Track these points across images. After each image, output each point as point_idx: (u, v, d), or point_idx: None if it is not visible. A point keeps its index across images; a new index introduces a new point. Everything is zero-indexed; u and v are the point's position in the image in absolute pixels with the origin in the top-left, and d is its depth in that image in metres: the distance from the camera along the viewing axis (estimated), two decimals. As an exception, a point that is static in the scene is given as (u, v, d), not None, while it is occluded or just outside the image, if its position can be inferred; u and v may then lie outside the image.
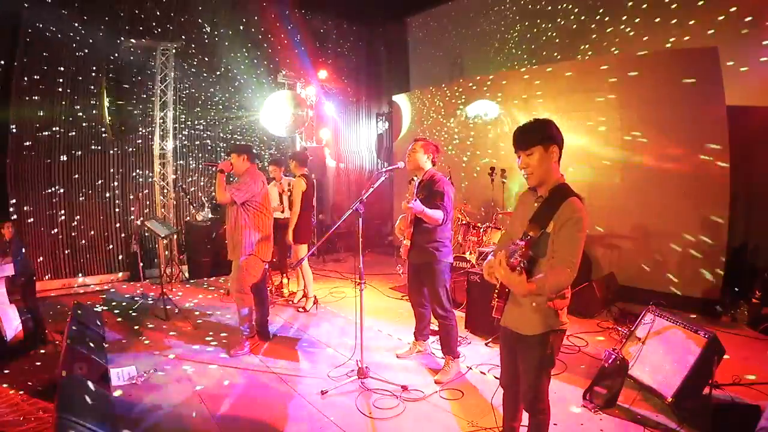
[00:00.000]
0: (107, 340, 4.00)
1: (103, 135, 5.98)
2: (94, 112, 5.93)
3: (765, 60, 4.57)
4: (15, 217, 5.42)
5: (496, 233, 5.30)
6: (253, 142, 7.71)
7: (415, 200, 3.14)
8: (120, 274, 6.30)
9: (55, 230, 5.82)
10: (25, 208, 5.59)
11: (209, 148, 7.19)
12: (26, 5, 5.34)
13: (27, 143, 5.57)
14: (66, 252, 5.90)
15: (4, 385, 3.17)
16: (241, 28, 7.30)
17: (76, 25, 5.69)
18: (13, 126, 5.45)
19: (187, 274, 6.45)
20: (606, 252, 5.27)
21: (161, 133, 6.38)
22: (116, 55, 5.97)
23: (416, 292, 3.60)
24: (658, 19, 5.32)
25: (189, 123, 6.94)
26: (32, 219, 5.64)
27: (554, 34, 6.45)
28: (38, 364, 3.59)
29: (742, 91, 4.58)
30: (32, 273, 4.70)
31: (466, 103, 6.95)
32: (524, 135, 1.91)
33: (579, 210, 1.82)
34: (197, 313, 4.87)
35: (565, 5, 6.27)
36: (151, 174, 6.49)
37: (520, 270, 1.70)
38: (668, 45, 5.20)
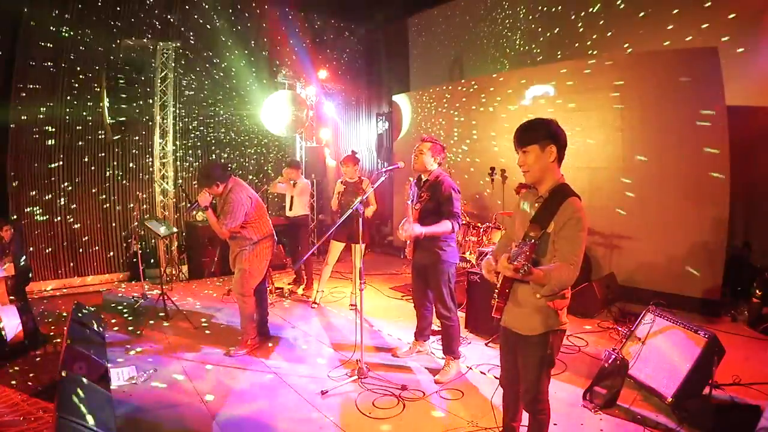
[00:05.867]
0: (107, 340, 4.00)
1: (103, 135, 5.98)
2: (94, 111, 5.93)
3: (765, 60, 4.56)
4: (15, 216, 5.42)
5: (496, 233, 5.30)
6: (253, 141, 7.71)
7: (412, 226, 3.14)
8: (120, 274, 6.30)
9: (55, 230, 5.82)
10: (25, 209, 5.59)
11: (209, 147, 7.19)
12: (26, 5, 5.34)
13: (27, 143, 5.56)
14: (66, 252, 5.90)
15: (5, 385, 3.17)
16: (241, 27, 7.30)
17: (77, 24, 5.69)
18: (13, 126, 5.46)
19: (187, 274, 6.44)
20: (606, 252, 5.27)
21: (161, 132, 6.38)
22: (116, 54, 5.97)
23: (420, 292, 3.59)
24: (658, 19, 5.32)
25: (189, 123, 6.94)
26: (32, 219, 5.64)
27: (554, 34, 6.44)
28: (38, 364, 3.60)
29: (742, 91, 4.57)
30: (29, 273, 4.71)
31: (466, 103, 6.94)
32: (523, 133, 1.95)
33: (579, 209, 1.83)
34: (197, 313, 4.87)
35: (565, 5, 6.27)
36: (151, 173, 6.49)
37: (522, 273, 1.70)
38: (668, 45, 5.20)
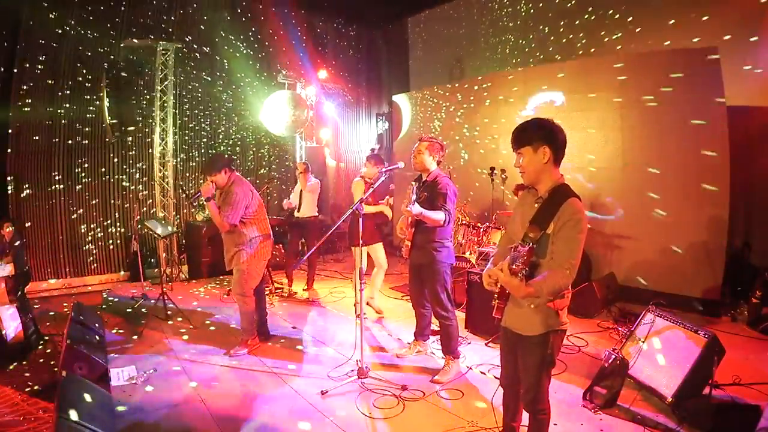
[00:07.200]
0: (107, 340, 4.00)
1: (104, 136, 5.98)
2: (94, 112, 5.94)
3: (765, 60, 4.57)
4: (15, 216, 5.42)
5: (496, 233, 5.30)
6: (253, 142, 7.72)
7: (413, 204, 3.14)
8: (120, 274, 6.30)
9: (55, 230, 5.82)
10: (25, 208, 5.59)
11: (209, 147, 7.19)
12: (26, 5, 5.34)
13: (27, 143, 5.57)
14: (66, 252, 5.90)
15: (5, 385, 3.17)
16: (242, 27, 7.30)
17: (77, 25, 5.69)
18: (13, 126, 5.46)
19: (187, 274, 6.45)
20: (606, 252, 5.27)
21: (161, 132, 6.38)
22: (116, 55, 5.97)
23: (417, 292, 3.60)
24: (658, 19, 5.32)
25: (189, 123, 6.94)
26: (32, 219, 5.65)
27: (554, 33, 6.44)
28: (38, 364, 3.60)
29: (742, 91, 4.57)
30: (28, 273, 4.71)
31: (466, 103, 6.94)
32: (516, 135, 1.95)
33: (579, 211, 1.82)
34: (197, 313, 4.87)
35: (565, 5, 6.27)
36: (151, 173, 6.49)
37: (521, 276, 1.71)
38: (668, 45, 5.20)
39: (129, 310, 4.93)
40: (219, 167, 3.68)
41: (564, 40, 6.31)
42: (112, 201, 6.27)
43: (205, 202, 3.69)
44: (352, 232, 4.58)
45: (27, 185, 5.60)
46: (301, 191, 5.52)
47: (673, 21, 5.20)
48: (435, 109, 7.47)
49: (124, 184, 6.36)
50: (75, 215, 5.97)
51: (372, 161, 4.68)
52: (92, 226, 6.12)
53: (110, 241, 6.26)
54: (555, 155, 1.89)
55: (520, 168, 1.95)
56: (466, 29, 7.73)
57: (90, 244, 6.10)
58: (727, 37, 4.72)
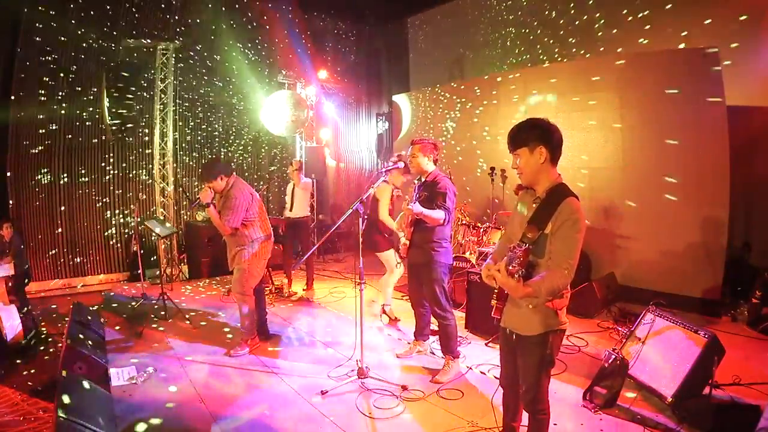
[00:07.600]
0: (107, 340, 4.00)
1: (103, 136, 5.98)
2: (93, 112, 5.94)
3: (765, 60, 4.56)
4: (15, 216, 5.42)
5: (496, 233, 5.30)
6: (253, 142, 7.72)
7: (414, 203, 3.15)
8: (120, 274, 6.30)
9: (56, 230, 5.82)
10: (25, 208, 5.60)
11: (209, 148, 7.19)
12: (26, 5, 5.34)
13: (27, 143, 5.57)
14: (66, 252, 5.90)
15: (5, 385, 3.17)
16: (242, 28, 7.30)
17: (76, 24, 5.69)
18: (13, 126, 5.46)
19: (187, 274, 6.45)
20: (606, 252, 5.27)
21: (161, 133, 6.38)
22: (116, 54, 5.97)
23: (416, 291, 3.60)
24: (658, 19, 5.32)
25: (189, 123, 6.94)
26: (32, 219, 5.64)
27: (554, 33, 6.43)
28: (38, 363, 3.60)
29: (742, 91, 4.57)
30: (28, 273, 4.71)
31: (466, 102, 6.94)
32: (512, 136, 1.95)
33: (577, 210, 1.82)
34: (197, 313, 4.87)
35: (565, 5, 6.26)
36: (151, 174, 6.49)
37: (518, 277, 1.71)
38: (668, 45, 5.19)
39: (129, 310, 4.92)
40: (215, 174, 3.66)
41: (565, 40, 6.29)
42: (112, 201, 6.27)
43: (204, 208, 3.69)
44: (369, 239, 4.32)
45: (27, 184, 5.58)
46: (293, 190, 5.54)
47: (674, 21, 5.15)
48: (435, 108, 7.46)
49: (124, 184, 6.34)
50: (75, 215, 5.96)
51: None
52: (92, 225, 6.11)
53: (110, 241, 6.25)
54: (551, 155, 1.89)
55: (518, 169, 1.94)
56: (465, 29, 7.72)
57: (90, 244, 6.09)
58: (727, 37, 4.71)
